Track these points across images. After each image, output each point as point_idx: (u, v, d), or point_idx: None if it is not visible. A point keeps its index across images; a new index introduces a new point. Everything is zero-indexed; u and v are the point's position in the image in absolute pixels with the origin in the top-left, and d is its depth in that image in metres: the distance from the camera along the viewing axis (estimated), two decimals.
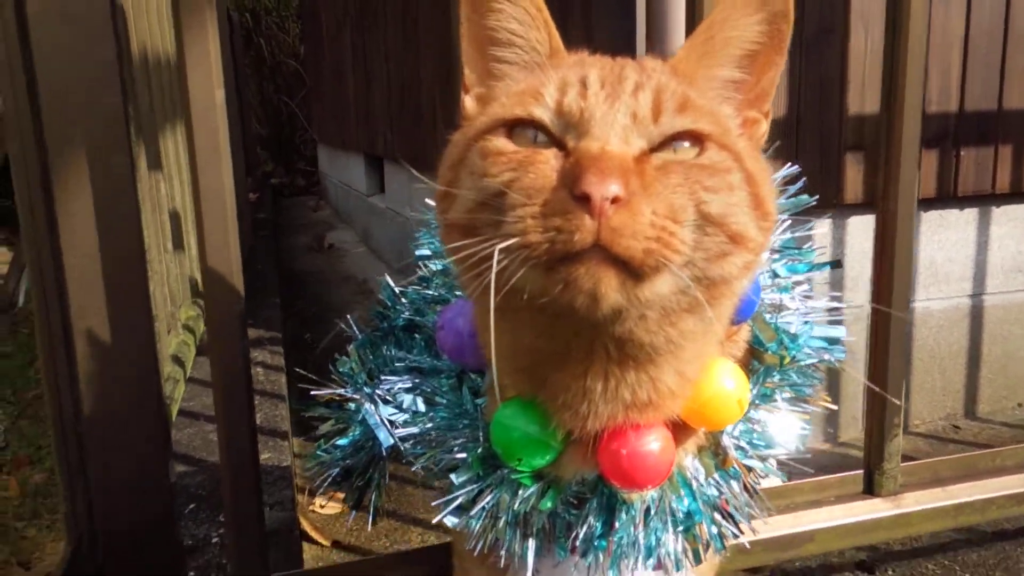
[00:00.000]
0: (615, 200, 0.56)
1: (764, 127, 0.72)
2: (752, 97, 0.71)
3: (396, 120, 4.26)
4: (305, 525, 1.75)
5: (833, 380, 2.36)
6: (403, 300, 0.90)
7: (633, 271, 0.58)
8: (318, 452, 0.94)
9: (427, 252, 0.90)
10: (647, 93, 0.64)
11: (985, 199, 2.41)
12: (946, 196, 2.34)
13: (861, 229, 2.29)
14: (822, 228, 2.27)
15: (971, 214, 2.43)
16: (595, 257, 0.58)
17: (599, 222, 0.56)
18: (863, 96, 2.18)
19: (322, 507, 1.87)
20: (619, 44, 1.65)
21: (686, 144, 0.63)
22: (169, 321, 2.03)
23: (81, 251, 0.90)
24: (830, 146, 2.18)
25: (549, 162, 0.62)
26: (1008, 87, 2.32)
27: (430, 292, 0.89)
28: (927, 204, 2.36)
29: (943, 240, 2.42)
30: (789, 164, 0.90)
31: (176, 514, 1.16)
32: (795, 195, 0.87)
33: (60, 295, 0.92)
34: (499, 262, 0.59)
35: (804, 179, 0.88)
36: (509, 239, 0.59)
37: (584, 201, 0.56)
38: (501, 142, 0.65)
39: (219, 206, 0.89)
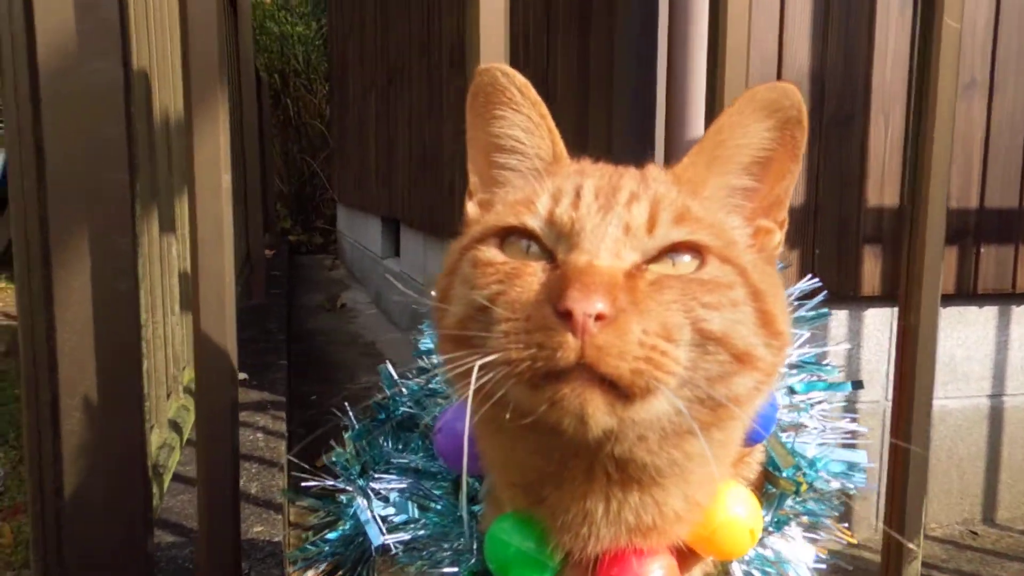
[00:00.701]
0: (600, 317, 0.54)
1: (778, 238, 0.68)
2: (766, 206, 0.68)
3: (415, 185, 4.30)
4: None
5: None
6: (403, 391, 0.87)
7: (622, 392, 0.55)
8: (306, 545, 0.89)
9: (431, 344, 0.87)
10: (643, 204, 0.61)
11: (1005, 297, 2.37)
12: (965, 293, 2.30)
13: (879, 322, 2.25)
14: (839, 320, 2.23)
15: (991, 312, 2.39)
16: (581, 376, 0.55)
17: (582, 340, 0.54)
18: (882, 187, 2.17)
19: None
20: (638, 138, 1.65)
21: (686, 258, 0.60)
22: (170, 384, 2.00)
23: (75, 327, 0.88)
24: (848, 237, 2.16)
25: (536, 275, 0.59)
26: None
27: (432, 386, 0.85)
28: (946, 300, 2.32)
29: (962, 337, 2.36)
30: (809, 276, 0.86)
31: None
32: (815, 308, 0.83)
33: (51, 368, 0.89)
34: (481, 378, 0.57)
35: (825, 292, 0.84)
36: (490, 355, 0.56)
37: (567, 318, 0.54)
38: (491, 252, 0.63)
39: (218, 292, 0.87)
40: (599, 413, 0.55)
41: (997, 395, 2.42)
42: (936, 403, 2.36)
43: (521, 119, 0.70)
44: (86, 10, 0.83)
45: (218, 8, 0.93)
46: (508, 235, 0.64)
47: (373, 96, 5.44)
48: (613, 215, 0.60)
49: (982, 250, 2.30)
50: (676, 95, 1.61)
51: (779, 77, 2.05)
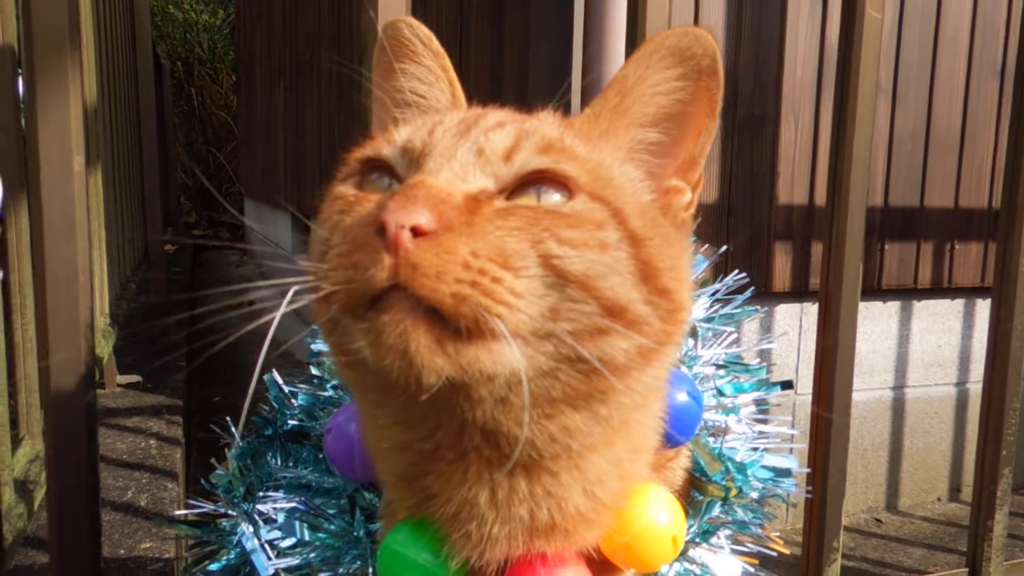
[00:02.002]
0: (420, 232, 0.47)
1: (687, 197, 0.62)
2: (679, 163, 0.62)
3: (325, 178, 4.15)
4: None
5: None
6: (292, 402, 0.78)
7: (452, 327, 0.48)
8: None
9: (324, 347, 0.78)
10: (507, 131, 0.55)
11: (907, 293, 2.45)
12: (870, 289, 2.36)
13: (788, 316, 2.28)
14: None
15: (894, 307, 2.46)
16: (400, 303, 0.48)
17: (396, 256, 0.47)
18: (792, 186, 2.20)
19: None
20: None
21: (555, 195, 0.53)
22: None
23: None
24: (760, 235, 2.18)
25: (376, 201, 0.53)
26: (929, 187, 2.38)
27: (325, 393, 0.77)
28: None
29: (868, 332, 2.42)
30: (736, 272, 0.82)
31: None
32: (741, 306, 0.79)
33: None
34: (323, 315, 0.52)
35: (752, 289, 0.80)
36: (318, 283, 0.50)
37: (382, 232, 0.47)
38: (344, 187, 0.58)
39: (69, 299, 0.74)
40: (424, 349, 0.48)
41: (899, 387, 2.50)
42: None
43: (422, 71, 0.66)
44: None
45: None
46: (368, 171, 0.58)
47: (281, 87, 5.25)
48: (468, 139, 0.54)
49: (886, 247, 2.36)
50: (593, 88, 1.57)
51: None
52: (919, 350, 2.51)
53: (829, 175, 1.16)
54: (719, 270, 2.19)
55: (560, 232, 0.51)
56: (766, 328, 2.30)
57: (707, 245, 2.08)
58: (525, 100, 1.97)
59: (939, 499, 2.61)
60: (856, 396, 2.45)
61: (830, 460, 1.14)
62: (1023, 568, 1.43)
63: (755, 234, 2.18)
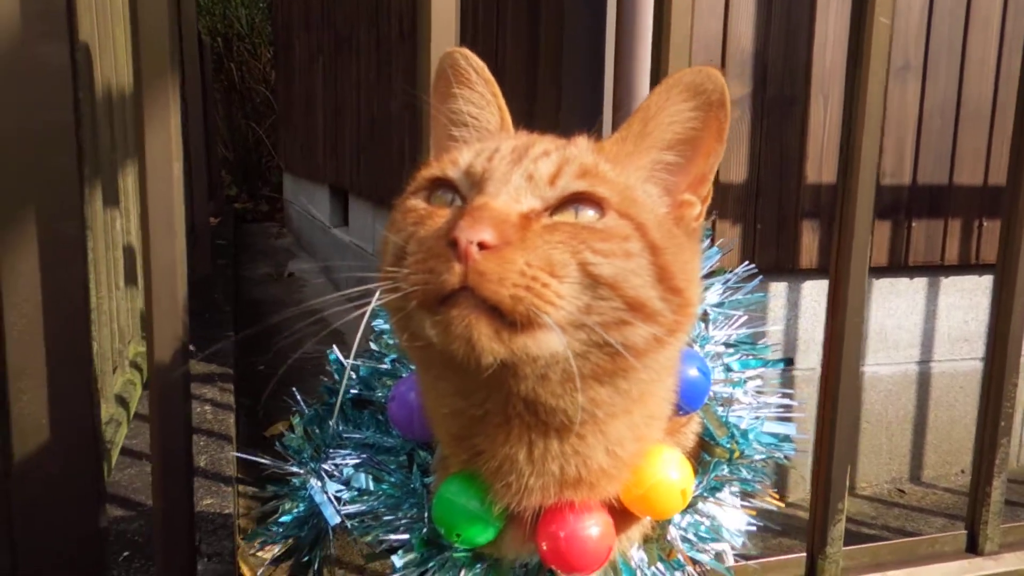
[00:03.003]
0: (485, 246, 0.58)
1: (698, 210, 0.73)
2: (690, 181, 0.73)
3: (364, 154, 4.26)
4: (245, 571, 1.70)
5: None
6: (352, 375, 0.89)
7: (508, 320, 0.59)
8: (258, 530, 0.91)
9: (385, 325, 0.89)
10: (552, 159, 0.67)
11: (935, 270, 2.49)
12: (897, 265, 2.41)
13: (816, 293, 2.34)
14: (778, 292, 2.32)
15: (921, 283, 2.50)
16: (467, 301, 0.59)
17: (466, 265, 0.58)
18: (821, 165, 2.25)
19: (265, 550, 1.82)
20: (585, 114, 1.68)
21: (589, 212, 0.65)
22: (116, 359, 1.98)
23: (23, 311, 0.87)
24: (788, 213, 2.23)
25: (446, 216, 0.65)
26: (959, 164, 2.40)
27: (383, 367, 0.88)
28: (879, 272, 2.42)
29: (893, 307, 2.47)
30: (746, 263, 0.91)
31: (108, 562, 1.12)
32: (752, 292, 0.88)
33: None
34: (399, 308, 0.63)
35: (761, 277, 0.89)
36: (395, 283, 0.62)
37: (455, 246, 0.59)
38: (415, 201, 0.69)
39: (170, 284, 0.87)
40: (484, 338, 0.59)
41: (925, 362, 2.55)
42: (868, 369, 2.48)
43: (475, 96, 0.77)
44: None
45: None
46: (435, 188, 0.69)
47: (320, 63, 5.34)
48: (521, 167, 0.66)
49: (913, 224, 2.40)
50: (623, 74, 1.64)
51: (724, 59, 2.09)
52: (946, 325, 2.55)
53: (840, 162, 1.23)
54: (747, 247, 2.25)
55: (594, 244, 0.62)
56: (793, 304, 2.36)
57: (723, 240, 2.15)
58: (559, 81, 2.05)
59: (962, 471, 2.66)
60: (881, 370, 2.52)
61: (836, 428, 1.22)
62: (1018, 531, 1.50)
63: (783, 213, 2.23)
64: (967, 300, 2.54)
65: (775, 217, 2.23)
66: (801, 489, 2.41)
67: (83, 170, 0.88)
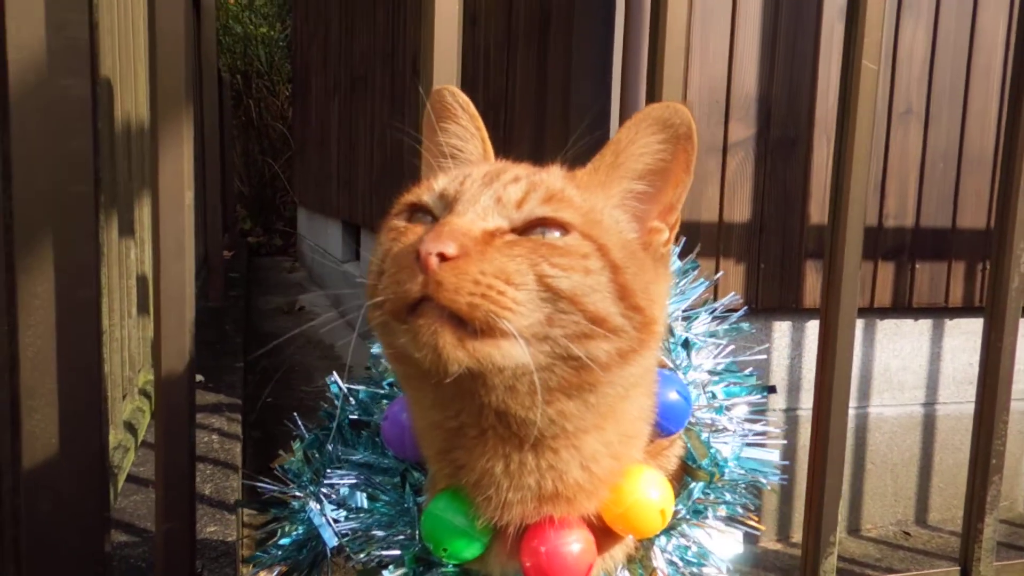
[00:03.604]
0: (445, 258, 0.62)
1: (665, 236, 0.77)
2: (660, 208, 0.76)
3: (377, 190, 4.33)
4: None
5: (786, 477, 2.38)
6: (351, 400, 0.92)
7: (471, 329, 0.62)
8: (257, 554, 0.93)
9: (380, 350, 0.92)
10: (520, 185, 0.70)
11: (939, 311, 2.50)
12: (901, 307, 2.42)
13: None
14: (781, 331, 2.33)
15: (925, 325, 2.51)
16: (431, 311, 0.63)
17: (426, 276, 0.62)
18: (824, 206, 2.28)
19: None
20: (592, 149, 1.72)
21: (556, 234, 0.68)
22: (126, 387, 2.01)
23: (38, 332, 0.91)
24: (791, 253, 2.26)
25: (419, 233, 0.69)
26: (961, 207, 2.43)
27: (381, 390, 0.91)
28: (883, 313, 2.44)
29: (898, 349, 2.48)
30: (732, 294, 0.94)
31: None
32: (736, 323, 0.90)
33: (11, 370, 0.92)
34: (377, 320, 0.67)
35: (745, 308, 0.91)
36: (376, 298, 0.66)
37: (418, 258, 0.63)
38: (397, 221, 0.73)
39: (178, 306, 0.91)
40: (449, 346, 0.63)
41: (930, 403, 2.55)
42: (872, 410, 2.48)
43: (460, 130, 0.82)
44: (57, 29, 0.86)
45: (186, 24, 0.98)
46: (414, 211, 0.74)
47: (336, 101, 5.46)
48: (490, 190, 0.70)
49: (917, 266, 2.42)
50: (629, 109, 1.69)
51: (728, 102, 2.14)
52: (951, 367, 2.55)
53: (830, 205, 1.27)
54: (751, 286, 2.28)
55: (552, 259, 0.66)
56: (796, 343, 2.37)
57: (721, 274, 2.17)
58: (567, 116, 2.09)
59: None
60: (886, 411, 2.52)
61: (828, 463, 1.23)
62: (1013, 570, 1.49)
63: (787, 252, 2.26)
64: (972, 343, 2.55)
65: (779, 256, 2.25)
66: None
67: (99, 197, 0.93)
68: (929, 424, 2.55)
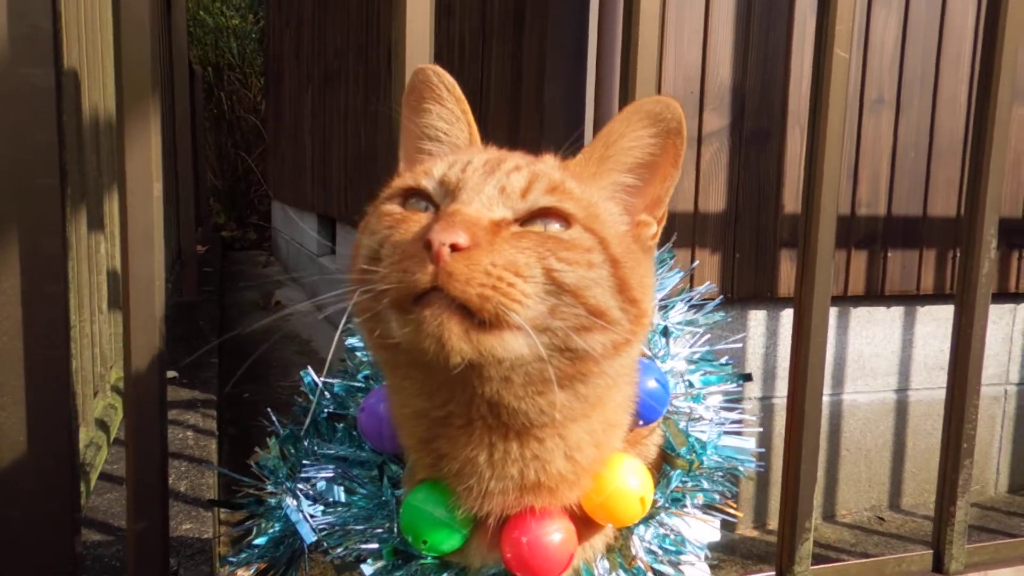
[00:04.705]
0: (456, 248, 0.61)
1: (653, 230, 0.77)
2: (648, 202, 0.76)
3: (352, 183, 4.30)
4: None
5: (762, 467, 2.40)
6: (327, 394, 0.91)
7: (477, 320, 0.62)
8: (230, 559, 0.92)
9: (357, 342, 0.91)
10: (522, 174, 0.70)
11: (910, 299, 2.53)
12: (874, 294, 2.45)
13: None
14: (757, 320, 2.35)
15: (897, 312, 2.54)
16: (439, 301, 0.62)
17: (437, 266, 0.61)
18: (797, 196, 2.29)
19: None
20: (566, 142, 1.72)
21: (556, 225, 0.68)
22: (97, 384, 1.98)
23: (4, 327, 0.89)
24: (765, 242, 2.28)
25: (420, 221, 0.68)
26: (932, 195, 2.46)
27: (356, 384, 0.90)
28: (856, 301, 2.46)
29: (871, 336, 2.51)
30: (708, 283, 0.94)
31: None
32: (712, 312, 0.90)
33: None
34: (369, 309, 0.65)
35: (721, 297, 0.92)
36: (371, 285, 0.64)
37: (429, 248, 0.62)
38: (391, 206, 0.72)
39: (147, 298, 0.89)
40: (454, 337, 0.62)
41: (903, 390, 2.58)
42: (846, 397, 2.51)
43: (445, 112, 0.80)
44: (18, 17, 0.84)
45: (152, 14, 0.95)
46: (409, 195, 0.72)
47: (310, 93, 5.40)
48: (494, 179, 0.69)
49: (889, 254, 2.44)
50: (603, 102, 1.69)
51: (703, 91, 2.15)
52: (922, 354, 2.59)
53: (803, 192, 1.28)
54: (726, 275, 2.29)
55: (559, 252, 0.65)
56: (771, 332, 2.40)
57: (696, 263, 2.18)
58: (541, 108, 2.09)
59: None
60: (859, 398, 2.55)
61: (803, 450, 1.25)
62: (985, 552, 1.52)
63: (761, 242, 2.28)
64: (943, 329, 2.59)
65: (753, 246, 2.27)
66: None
67: (65, 190, 0.91)
68: (902, 410, 2.59)
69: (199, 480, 2.00)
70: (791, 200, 2.28)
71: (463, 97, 0.80)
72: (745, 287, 2.27)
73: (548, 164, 0.74)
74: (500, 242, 0.64)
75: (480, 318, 0.62)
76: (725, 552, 2.24)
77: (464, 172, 0.70)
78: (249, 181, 8.16)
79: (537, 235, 0.66)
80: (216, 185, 8.08)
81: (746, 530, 2.42)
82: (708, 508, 0.83)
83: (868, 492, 2.60)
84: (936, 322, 2.58)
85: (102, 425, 1.94)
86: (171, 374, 2.80)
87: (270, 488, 0.91)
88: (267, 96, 7.56)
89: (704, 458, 0.79)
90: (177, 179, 4.18)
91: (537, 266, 0.64)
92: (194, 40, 8.12)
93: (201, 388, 2.75)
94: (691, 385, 0.84)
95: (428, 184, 0.71)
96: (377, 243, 0.69)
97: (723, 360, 0.88)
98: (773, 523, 2.43)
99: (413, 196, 0.72)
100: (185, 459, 2.11)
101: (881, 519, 2.55)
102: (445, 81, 0.79)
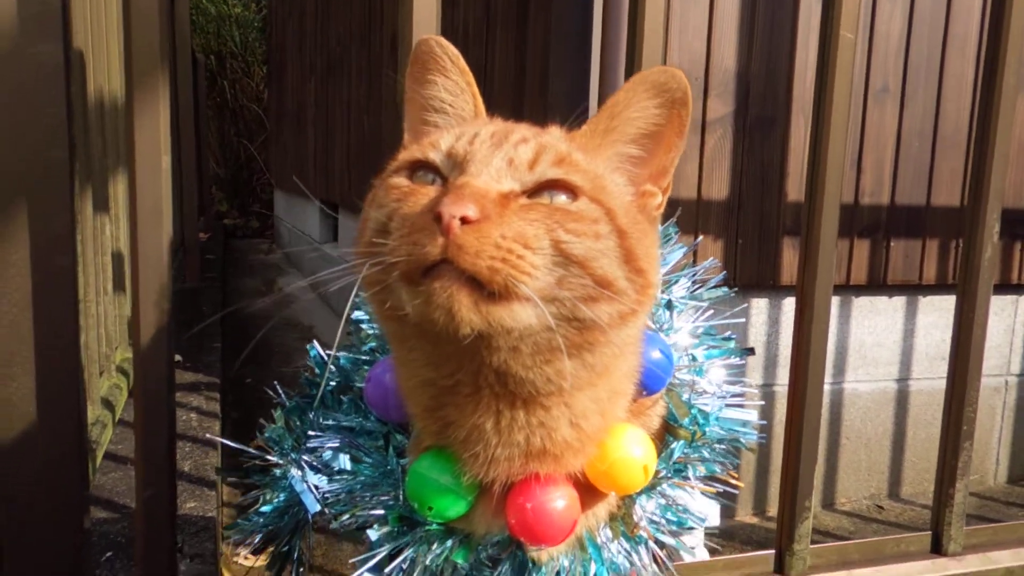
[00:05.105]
0: (466, 221, 0.62)
1: (659, 200, 0.77)
2: (652, 172, 0.77)
3: (354, 171, 4.30)
4: None
5: (763, 453, 2.41)
6: (332, 367, 0.92)
7: (487, 291, 0.63)
8: (239, 521, 0.93)
9: (362, 315, 0.92)
10: (530, 146, 0.70)
11: (913, 289, 2.53)
12: (876, 284, 2.45)
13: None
14: (759, 308, 2.35)
15: (899, 302, 2.54)
16: (449, 273, 0.62)
17: (447, 239, 0.62)
18: (801, 184, 2.29)
19: (247, 559, 1.83)
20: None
21: (562, 197, 0.68)
22: (102, 363, 2.00)
23: (14, 299, 0.89)
24: (768, 230, 2.28)
25: (429, 194, 0.68)
26: (936, 185, 2.46)
27: (362, 356, 0.91)
28: (858, 290, 2.47)
29: (872, 325, 2.52)
30: (711, 259, 0.95)
31: (91, 563, 1.13)
32: (716, 287, 0.91)
33: None
34: (379, 281, 0.66)
35: (724, 272, 0.92)
36: (381, 257, 0.65)
37: (439, 220, 0.62)
38: (398, 179, 0.72)
39: (156, 273, 0.90)
40: (464, 308, 0.63)
41: (904, 379, 2.59)
42: (847, 386, 2.52)
43: (450, 84, 0.79)
44: None
45: None
46: (416, 168, 0.72)
47: (312, 82, 5.40)
48: (501, 151, 0.69)
49: (892, 243, 2.45)
50: (608, 87, 1.69)
51: (707, 78, 2.15)
52: (924, 344, 2.59)
53: (807, 180, 1.28)
54: (729, 262, 2.30)
55: (567, 224, 0.66)
56: (773, 320, 2.40)
57: (700, 238, 2.19)
58: (545, 94, 2.09)
59: None
60: (860, 387, 2.55)
61: (804, 428, 1.26)
62: (983, 534, 1.53)
63: (764, 229, 2.28)
64: (945, 319, 2.59)
65: (756, 233, 2.27)
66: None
67: (74, 165, 0.91)
68: (902, 399, 2.60)
69: (203, 460, 2.02)
70: (794, 188, 2.28)
71: (467, 68, 0.80)
72: (748, 274, 2.28)
73: (554, 136, 0.75)
74: (509, 214, 0.64)
75: (489, 290, 0.62)
76: (725, 538, 2.26)
77: (472, 144, 0.70)
78: (251, 170, 8.16)
79: (545, 207, 0.67)
80: (219, 173, 8.08)
81: (746, 516, 2.43)
82: (710, 479, 0.84)
83: (868, 480, 2.61)
84: (938, 312, 2.58)
85: (107, 405, 1.95)
86: (175, 357, 2.80)
87: (275, 459, 0.92)
88: (270, 84, 7.55)
89: (706, 429, 0.80)
90: (180, 167, 4.18)
91: (546, 238, 0.65)
92: (197, 28, 8.10)
93: (205, 371, 2.77)
94: (694, 358, 0.85)
95: (436, 157, 0.71)
96: (386, 216, 0.69)
97: (726, 335, 0.89)
98: (773, 510, 2.45)
99: (421, 169, 0.72)
100: (189, 440, 2.13)
101: (880, 507, 2.56)
102: (449, 52, 0.79)
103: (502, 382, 0.70)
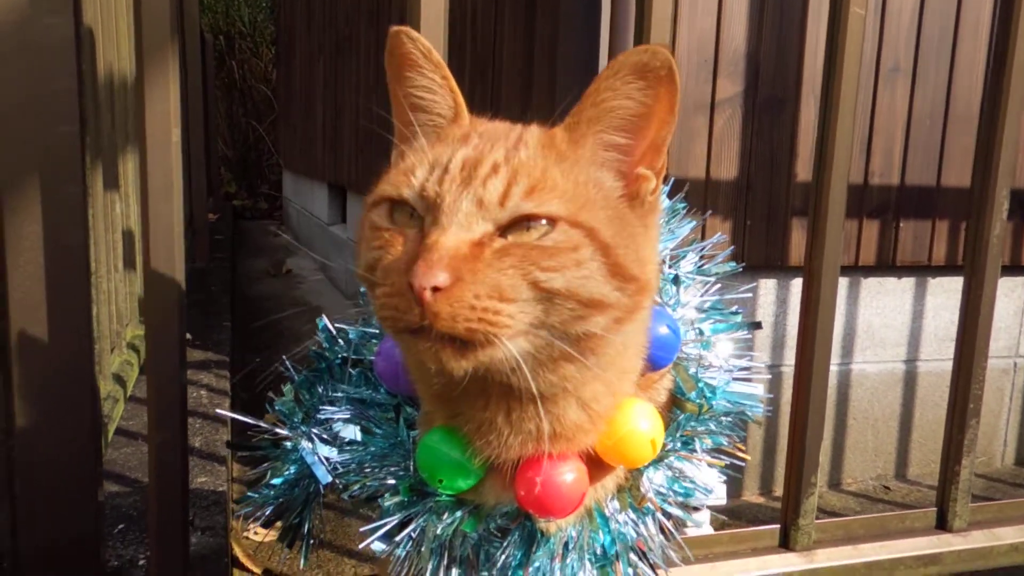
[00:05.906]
0: (437, 289, 0.63)
1: (654, 183, 0.74)
2: (645, 151, 0.73)
3: (363, 153, 4.30)
4: (237, 551, 1.73)
5: (770, 433, 2.42)
6: (340, 341, 0.93)
7: (471, 344, 0.65)
8: (250, 494, 0.95)
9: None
10: (500, 177, 0.68)
11: (922, 270, 2.52)
12: (885, 265, 2.45)
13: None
14: (767, 288, 2.35)
15: (908, 283, 2.54)
16: (431, 334, 0.65)
17: (423, 308, 0.63)
18: (810, 165, 2.28)
19: (256, 533, 1.85)
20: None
21: (542, 222, 0.67)
22: (114, 340, 2.01)
23: (27, 273, 0.91)
24: (777, 211, 2.27)
25: (405, 244, 0.69)
26: (947, 165, 2.44)
27: (371, 329, 0.91)
28: (867, 271, 2.46)
29: (881, 306, 2.51)
30: (718, 235, 0.95)
31: (104, 534, 1.14)
32: (723, 262, 0.91)
33: (2, 315, 0.92)
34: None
35: (732, 247, 0.93)
36: (373, 299, 0.69)
37: (413, 289, 0.63)
38: (379, 217, 0.72)
39: (167, 245, 0.91)
40: (452, 361, 0.66)
41: (912, 360, 2.59)
42: (855, 367, 2.52)
43: (426, 81, 0.77)
44: None
45: None
46: (395, 204, 0.72)
47: (321, 62, 5.38)
48: (470, 190, 0.68)
49: (902, 224, 2.43)
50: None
51: (717, 58, 2.14)
52: (932, 325, 2.59)
53: (815, 159, 1.28)
54: (737, 243, 2.29)
55: (543, 263, 0.66)
56: (782, 301, 2.40)
57: (709, 214, 2.18)
58: (553, 77, 2.08)
59: None
60: (868, 368, 2.55)
61: (810, 403, 1.26)
62: (989, 510, 1.54)
63: (773, 210, 2.27)
64: (954, 301, 2.58)
65: (765, 214, 2.26)
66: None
67: (85, 137, 0.92)
68: (910, 381, 2.60)
69: (213, 436, 2.04)
70: (804, 169, 2.27)
71: (441, 62, 0.76)
72: (756, 255, 2.27)
73: (532, 144, 0.72)
74: (482, 267, 0.65)
75: (471, 345, 0.65)
76: (730, 516, 2.27)
77: (441, 185, 0.68)
78: (260, 150, 8.16)
79: (520, 248, 0.66)
80: (227, 154, 8.09)
81: (752, 496, 2.44)
82: (717, 451, 0.84)
83: (874, 461, 2.61)
84: (947, 294, 2.58)
85: (119, 380, 1.97)
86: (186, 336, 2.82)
87: (286, 432, 0.93)
88: (278, 65, 7.53)
89: (713, 402, 0.81)
90: (189, 147, 4.19)
91: (523, 283, 0.65)
92: (204, 8, 8.08)
93: (214, 350, 2.79)
94: (701, 332, 0.86)
95: (410, 195, 0.70)
96: (372, 260, 0.71)
97: (733, 309, 0.89)
98: (779, 490, 2.46)
99: (398, 205, 0.71)
100: (199, 416, 2.15)
101: (887, 488, 2.57)
102: (420, 47, 0.75)
103: (507, 389, 0.72)
